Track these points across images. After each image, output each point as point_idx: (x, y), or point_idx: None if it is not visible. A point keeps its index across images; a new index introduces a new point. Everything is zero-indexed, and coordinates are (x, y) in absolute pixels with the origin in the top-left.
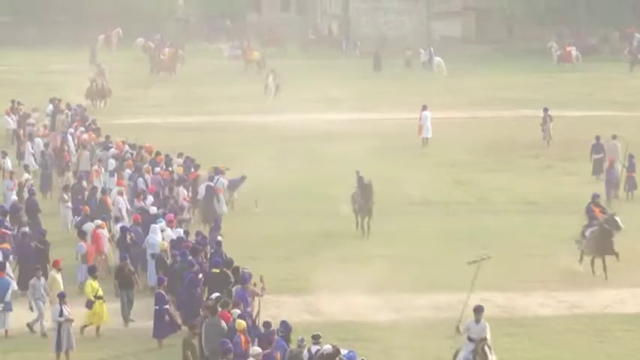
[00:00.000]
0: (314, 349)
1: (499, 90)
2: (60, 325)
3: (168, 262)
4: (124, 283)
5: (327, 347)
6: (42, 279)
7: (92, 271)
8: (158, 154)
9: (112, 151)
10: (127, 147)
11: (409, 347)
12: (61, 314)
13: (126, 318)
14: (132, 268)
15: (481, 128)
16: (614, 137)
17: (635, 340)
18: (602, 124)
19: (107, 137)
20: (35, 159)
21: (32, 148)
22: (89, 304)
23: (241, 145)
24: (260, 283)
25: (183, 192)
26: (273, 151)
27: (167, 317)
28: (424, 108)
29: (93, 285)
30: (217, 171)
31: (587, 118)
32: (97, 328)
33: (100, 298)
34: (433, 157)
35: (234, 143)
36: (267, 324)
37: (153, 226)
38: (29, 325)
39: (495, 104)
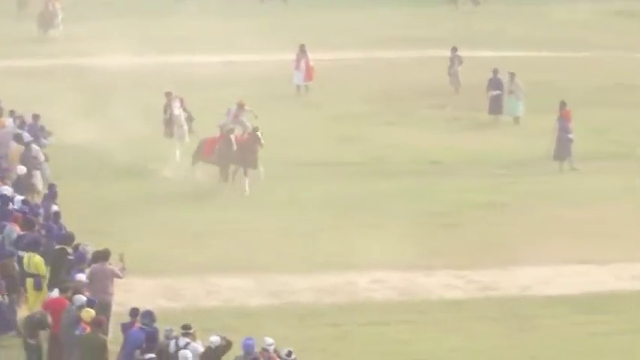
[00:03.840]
0: (182, 341)
1: (398, 27)
2: None
3: None
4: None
5: (214, 339)
6: None
7: None
8: None
9: None
10: None
11: (286, 338)
12: None
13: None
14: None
15: (376, 73)
16: (513, 75)
17: (560, 327)
18: (522, 67)
19: None
20: None
21: None
22: None
23: (49, 92)
24: (120, 262)
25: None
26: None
27: None
28: (303, 47)
29: None
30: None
31: (502, 60)
32: None
33: None
34: (319, 107)
35: (42, 91)
36: (133, 311)
37: None
38: None
39: (393, 44)
